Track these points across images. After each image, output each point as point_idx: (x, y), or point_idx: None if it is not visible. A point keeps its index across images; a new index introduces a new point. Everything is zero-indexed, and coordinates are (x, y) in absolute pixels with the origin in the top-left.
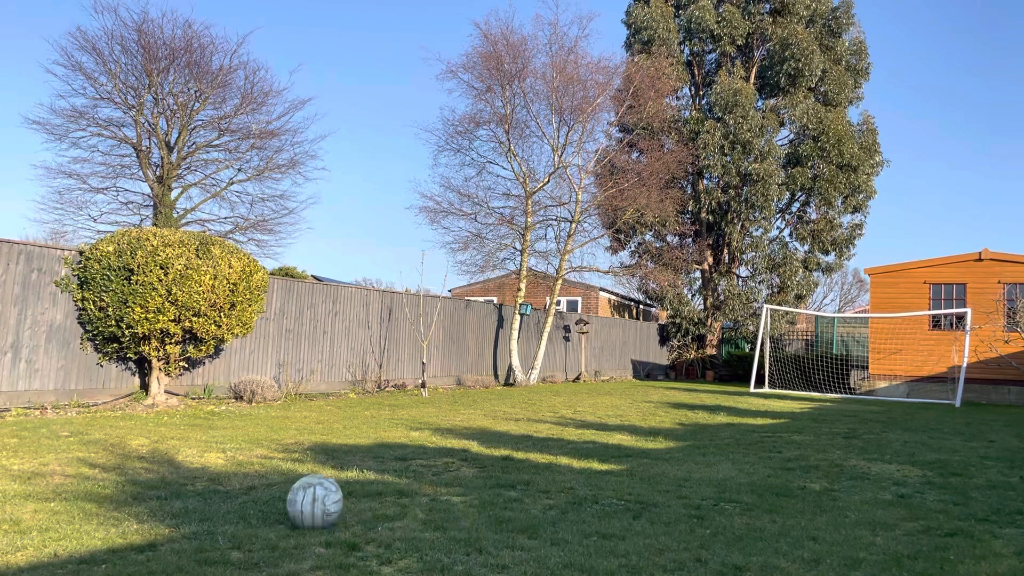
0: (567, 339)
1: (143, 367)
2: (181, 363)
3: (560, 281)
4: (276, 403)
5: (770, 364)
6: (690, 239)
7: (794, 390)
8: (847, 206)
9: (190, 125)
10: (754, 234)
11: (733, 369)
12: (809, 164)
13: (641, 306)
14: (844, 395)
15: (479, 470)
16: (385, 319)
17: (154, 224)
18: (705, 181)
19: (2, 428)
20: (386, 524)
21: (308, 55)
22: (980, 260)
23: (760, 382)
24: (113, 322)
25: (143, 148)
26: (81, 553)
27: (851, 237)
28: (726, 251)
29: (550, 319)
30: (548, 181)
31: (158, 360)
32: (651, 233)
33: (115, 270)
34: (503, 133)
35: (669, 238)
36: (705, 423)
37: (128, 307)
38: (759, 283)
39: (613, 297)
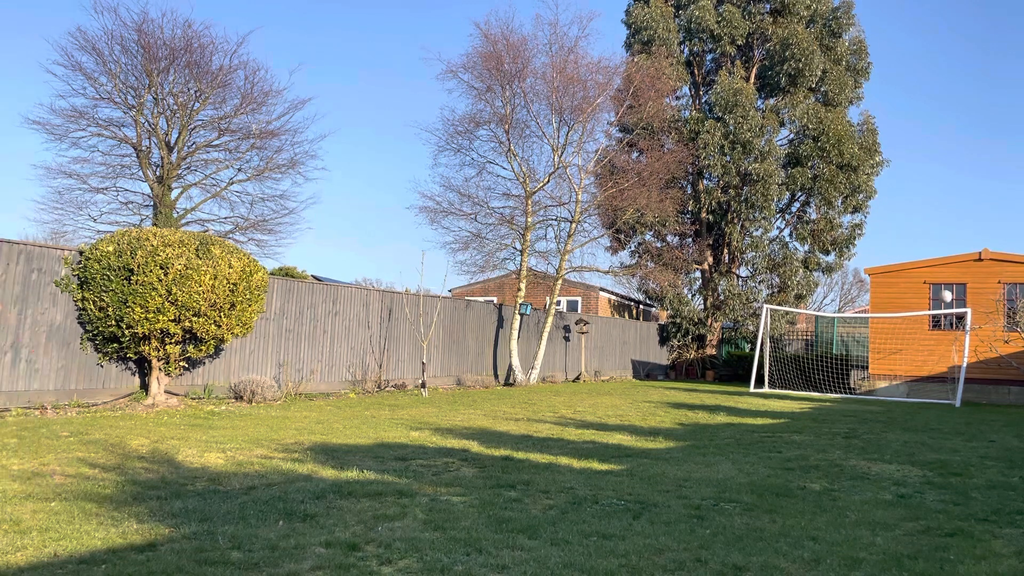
0: (567, 339)
1: (143, 367)
2: (181, 363)
3: (560, 281)
4: (276, 403)
5: (770, 364)
6: (690, 239)
7: (794, 390)
8: (847, 206)
9: (190, 125)
10: (754, 234)
11: (733, 369)
12: (809, 164)
13: (641, 306)
14: (844, 395)
15: (479, 470)
16: (385, 319)
17: (154, 224)
18: (705, 181)
19: (2, 428)
20: (386, 524)
21: (308, 55)
22: (980, 260)
23: (760, 382)
24: (113, 322)
25: (143, 148)
26: (81, 553)
27: (851, 237)
28: (726, 251)
29: (550, 319)
30: (548, 181)
31: (158, 360)
32: (651, 233)
33: (115, 270)
34: (503, 133)
35: (669, 238)
36: (705, 423)
37: (128, 307)
38: (759, 283)
39: (613, 297)
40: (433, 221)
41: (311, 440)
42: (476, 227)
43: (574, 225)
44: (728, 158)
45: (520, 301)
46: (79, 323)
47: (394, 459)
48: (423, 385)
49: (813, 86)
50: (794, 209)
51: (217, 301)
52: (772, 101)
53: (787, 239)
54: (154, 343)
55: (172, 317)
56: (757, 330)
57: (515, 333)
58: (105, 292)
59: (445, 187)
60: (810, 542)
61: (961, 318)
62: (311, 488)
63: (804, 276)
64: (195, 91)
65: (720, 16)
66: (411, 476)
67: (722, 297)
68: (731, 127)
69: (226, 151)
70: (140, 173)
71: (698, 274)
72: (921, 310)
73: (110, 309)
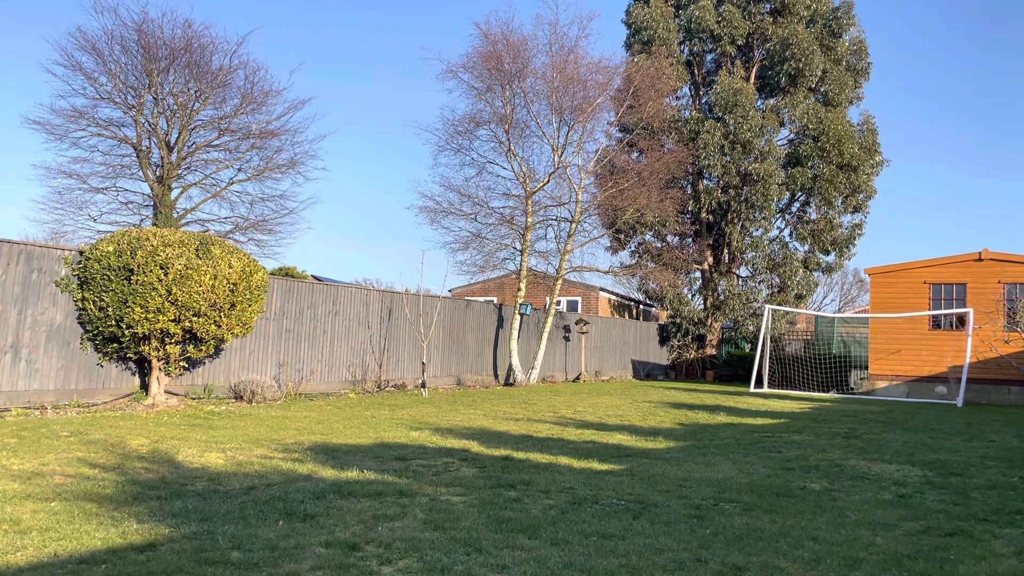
0: (567, 339)
1: (143, 367)
2: (181, 363)
3: (560, 281)
4: (276, 403)
5: (770, 364)
6: (690, 239)
7: (794, 390)
8: (847, 206)
9: (190, 125)
10: (754, 234)
11: (733, 369)
12: (809, 164)
13: (641, 306)
14: (844, 395)
15: (479, 470)
16: (385, 319)
17: (154, 224)
18: (705, 181)
19: (2, 428)
20: (386, 524)
21: (308, 55)
22: (980, 260)
23: (760, 382)
24: (113, 322)
25: (143, 148)
26: (81, 553)
27: (851, 237)
28: (726, 251)
29: (550, 319)
30: (548, 181)
31: (158, 360)
32: (651, 233)
33: (115, 270)
34: (503, 133)
35: (669, 238)
36: (705, 423)
37: (128, 307)
38: (759, 283)
39: (613, 297)
40: (433, 221)
41: (311, 440)
42: (476, 227)
43: (574, 225)
44: (728, 158)
45: (520, 301)
46: (79, 323)
47: (394, 459)
48: (423, 385)
49: (813, 86)
50: (794, 209)
51: (217, 301)
52: (772, 101)
53: (787, 239)
54: (154, 343)
55: (172, 317)
56: (757, 330)
57: (515, 333)
58: (105, 292)
59: (445, 187)
60: (810, 542)
61: (962, 319)
62: (311, 488)
63: (804, 276)
64: (195, 91)
65: (720, 16)
66: (411, 476)
67: (722, 297)
68: (731, 127)
69: (226, 151)
70: (140, 173)
71: (698, 274)
72: (921, 310)
73: (110, 309)
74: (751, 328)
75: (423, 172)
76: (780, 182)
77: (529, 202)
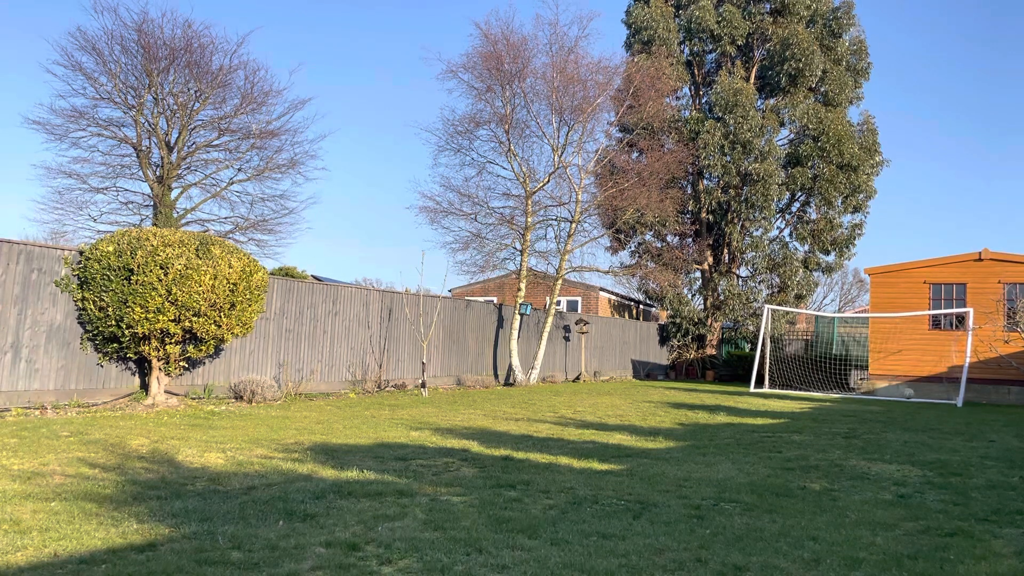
0: (567, 339)
1: (143, 367)
2: (181, 363)
3: (560, 281)
4: (276, 403)
5: (770, 364)
6: (690, 239)
7: (794, 390)
8: (847, 206)
9: (190, 125)
10: (754, 234)
11: (733, 369)
12: (809, 164)
13: (641, 306)
14: (844, 395)
15: (479, 470)
16: (385, 319)
17: (154, 224)
18: (705, 181)
19: (2, 428)
20: (386, 524)
21: (308, 55)
22: (980, 260)
23: (760, 382)
24: (113, 322)
25: (143, 148)
26: (81, 553)
27: (851, 237)
28: (726, 251)
29: (550, 319)
30: (548, 181)
31: (158, 360)
32: (651, 233)
33: (115, 270)
34: (503, 133)
35: (669, 238)
36: (705, 423)
37: (128, 307)
38: (759, 283)
39: (613, 297)
40: (433, 221)
41: (311, 440)
42: (476, 227)
43: (574, 225)
44: (728, 158)
45: (520, 301)
46: (79, 323)
47: (394, 459)
48: (423, 385)
49: (813, 86)
50: (794, 209)
51: (217, 301)
52: (772, 101)
53: (787, 239)
54: (154, 343)
55: (172, 317)
56: (757, 330)
57: (515, 333)
58: (105, 292)
59: (445, 187)
60: (810, 542)
61: (961, 319)
62: (311, 488)
63: (804, 276)
64: (195, 91)
65: (720, 16)
66: (411, 476)
67: (722, 297)
68: (731, 127)
69: (226, 151)
70: (140, 173)
71: (698, 274)
72: (921, 310)
73: (110, 309)
74: (751, 328)
75: (423, 172)
76: (780, 182)
77: (529, 202)
